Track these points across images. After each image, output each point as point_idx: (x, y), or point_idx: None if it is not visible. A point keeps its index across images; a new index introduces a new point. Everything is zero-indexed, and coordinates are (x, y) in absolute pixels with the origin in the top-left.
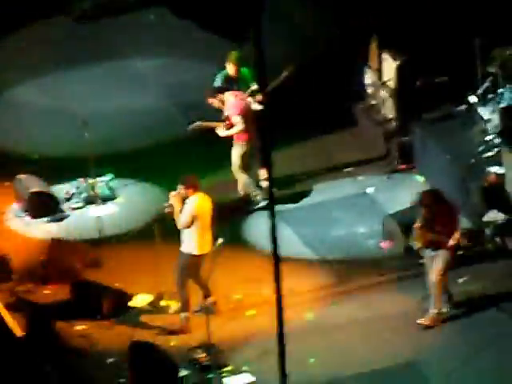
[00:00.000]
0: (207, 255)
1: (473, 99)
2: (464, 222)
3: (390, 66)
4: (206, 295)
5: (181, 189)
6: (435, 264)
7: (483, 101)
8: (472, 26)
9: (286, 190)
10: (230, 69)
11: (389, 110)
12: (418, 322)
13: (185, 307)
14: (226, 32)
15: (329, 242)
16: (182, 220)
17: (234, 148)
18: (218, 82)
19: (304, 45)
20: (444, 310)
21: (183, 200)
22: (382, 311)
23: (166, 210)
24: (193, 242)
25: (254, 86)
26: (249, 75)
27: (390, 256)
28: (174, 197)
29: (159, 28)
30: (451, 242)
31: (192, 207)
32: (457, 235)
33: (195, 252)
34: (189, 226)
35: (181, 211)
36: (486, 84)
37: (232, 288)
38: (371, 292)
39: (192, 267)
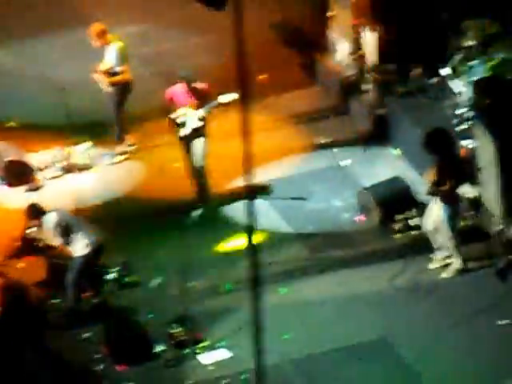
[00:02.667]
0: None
1: (445, 72)
2: None
3: (367, 39)
4: None
5: (31, 223)
6: (441, 218)
7: (455, 74)
8: None
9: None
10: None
11: (366, 82)
12: (444, 276)
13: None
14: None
15: (304, 215)
16: (56, 239)
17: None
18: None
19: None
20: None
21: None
22: (356, 286)
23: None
24: (80, 243)
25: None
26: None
27: (365, 230)
28: (35, 232)
29: None
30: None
31: (52, 224)
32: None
33: (86, 252)
34: (64, 239)
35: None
36: (458, 57)
37: (208, 263)
38: (346, 266)
39: (88, 266)
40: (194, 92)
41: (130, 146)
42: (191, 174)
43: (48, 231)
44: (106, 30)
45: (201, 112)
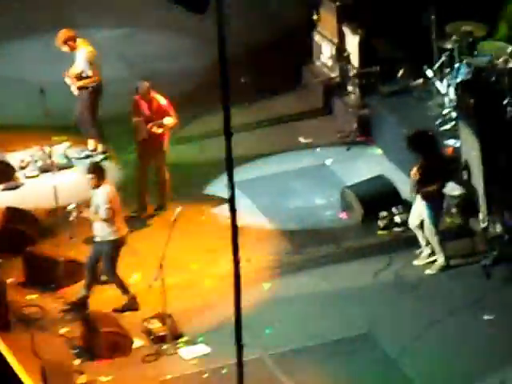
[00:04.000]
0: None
1: (429, 73)
2: None
3: (350, 41)
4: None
5: (91, 178)
6: (425, 215)
7: (440, 75)
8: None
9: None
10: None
11: (350, 84)
12: (428, 272)
13: (125, 290)
14: (189, 4)
15: (287, 212)
16: (104, 212)
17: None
18: None
19: (267, 16)
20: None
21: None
22: (338, 282)
23: (74, 215)
24: (113, 227)
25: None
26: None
27: (348, 227)
28: (76, 209)
29: None
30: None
31: (108, 197)
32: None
33: (117, 236)
34: (110, 215)
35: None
36: (443, 58)
37: (189, 258)
38: (328, 263)
39: (118, 252)
40: (149, 105)
41: (102, 152)
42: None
43: (100, 202)
44: (73, 36)
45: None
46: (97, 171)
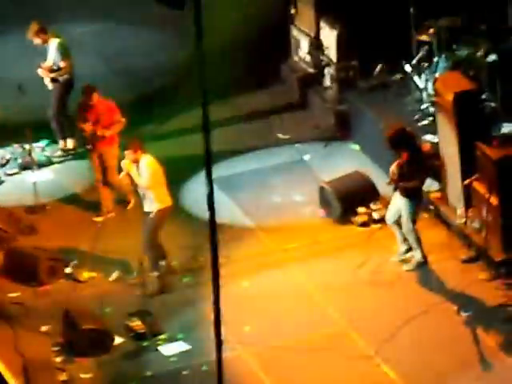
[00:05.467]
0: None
1: (408, 68)
2: None
3: (328, 35)
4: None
5: (129, 153)
6: (403, 212)
7: (418, 70)
8: None
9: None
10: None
11: (327, 79)
12: (405, 268)
13: (157, 266)
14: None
15: (265, 208)
16: (144, 181)
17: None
18: None
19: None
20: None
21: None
22: (318, 279)
23: (124, 181)
24: (157, 198)
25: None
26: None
27: (326, 223)
28: (127, 164)
29: None
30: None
31: (149, 166)
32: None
33: (162, 206)
34: (151, 185)
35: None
36: (421, 53)
37: (168, 255)
38: (307, 259)
39: (162, 222)
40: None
41: (70, 150)
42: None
43: (143, 171)
44: (43, 28)
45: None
46: (132, 145)
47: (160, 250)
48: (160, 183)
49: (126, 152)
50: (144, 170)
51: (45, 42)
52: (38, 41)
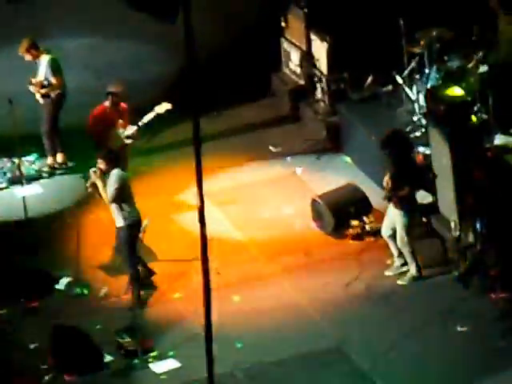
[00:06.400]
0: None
1: (399, 79)
2: None
3: (318, 47)
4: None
5: (101, 163)
6: (397, 224)
7: (409, 81)
8: (397, 5)
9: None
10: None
11: (318, 90)
12: (400, 282)
13: (136, 282)
14: (153, 10)
15: (257, 222)
16: (110, 195)
17: None
18: None
19: (231, 21)
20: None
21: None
22: (309, 293)
23: (89, 189)
24: (122, 213)
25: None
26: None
27: (319, 237)
28: (94, 174)
29: (84, 7)
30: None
31: (116, 180)
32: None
33: (127, 223)
34: (116, 200)
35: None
36: (412, 64)
37: (158, 270)
38: (299, 273)
39: (132, 238)
40: (119, 110)
41: (59, 164)
42: None
43: (110, 184)
44: (34, 44)
45: (129, 131)
46: (107, 157)
47: (139, 266)
48: (126, 199)
49: (98, 160)
50: (112, 184)
51: (36, 57)
52: (28, 57)
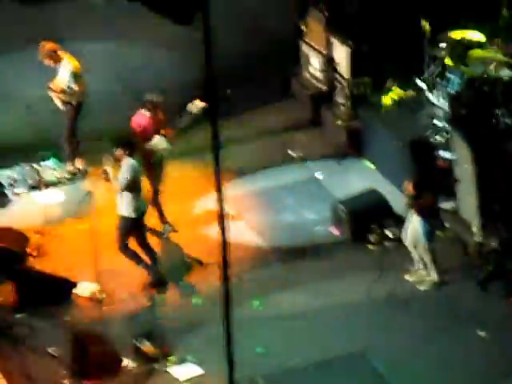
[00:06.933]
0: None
1: (421, 83)
2: None
3: (339, 51)
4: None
5: (117, 151)
6: (418, 230)
7: (431, 85)
8: (419, 8)
9: (234, 175)
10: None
11: (339, 95)
12: (421, 288)
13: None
14: (175, 16)
15: (277, 228)
16: (120, 183)
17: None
18: None
19: (254, 28)
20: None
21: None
22: (330, 299)
23: (102, 177)
24: (131, 205)
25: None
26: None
27: (340, 242)
28: (108, 160)
29: (107, 11)
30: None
31: (128, 170)
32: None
33: (134, 215)
34: (126, 189)
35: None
36: (434, 68)
37: (179, 275)
38: (321, 279)
39: (132, 230)
40: (159, 117)
41: (79, 170)
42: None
43: (122, 173)
44: (56, 48)
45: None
46: (123, 145)
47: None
48: (136, 190)
49: (114, 148)
50: (123, 172)
51: (57, 62)
52: (49, 62)
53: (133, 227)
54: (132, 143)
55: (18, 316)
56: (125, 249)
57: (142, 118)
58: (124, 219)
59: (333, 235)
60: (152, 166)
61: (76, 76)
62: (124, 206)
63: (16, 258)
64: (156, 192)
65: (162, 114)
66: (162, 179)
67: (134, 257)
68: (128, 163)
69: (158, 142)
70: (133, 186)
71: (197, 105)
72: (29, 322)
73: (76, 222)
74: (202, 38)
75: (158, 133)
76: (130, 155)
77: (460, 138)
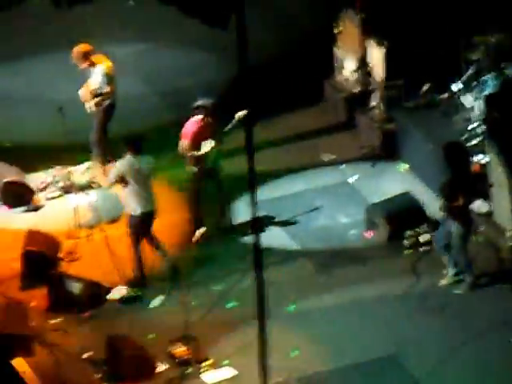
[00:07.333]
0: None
1: (456, 87)
2: None
3: (374, 54)
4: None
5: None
6: (453, 234)
7: (466, 88)
8: (454, 11)
9: (267, 178)
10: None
11: (374, 98)
12: (456, 292)
13: (138, 265)
14: (207, 17)
15: (311, 232)
16: (108, 178)
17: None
18: None
19: (287, 31)
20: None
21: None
22: (364, 303)
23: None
24: (132, 202)
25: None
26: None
27: (374, 246)
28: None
29: (138, 13)
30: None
31: (120, 166)
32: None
33: (136, 212)
34: (115, 183)
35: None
36: (469, 71)
37: (212, 279)
38: (354, 283)
39: (138, 227)
40: (210, 122)
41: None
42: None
43: (114, 168)
44: (90, 50)
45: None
46: (129, 142)
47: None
48: (136, 187)
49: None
50: (114, 169)
51: (92, 65)
52: (84, 64)
53: (137, 224)
54: (137, 141)
55: (53, 321)
56: (133, 246)
57: (194, 123)
58: (129, 217)
59: (366, 239)
60: (206, 171)
61: (109, 77)
62: (126, 203)
63: (49, 263)
64: (221, 201)
65: (212, 118)
66: (221, 185)
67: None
68: (123, 159)
69: (207, 145)
70: (125, 183)
71: (242, 112)
72: (63, 326)
73: (108, 225)
74: (235, 40)
75: (209, 137)
76: (134, 153)
77: (495, 141)
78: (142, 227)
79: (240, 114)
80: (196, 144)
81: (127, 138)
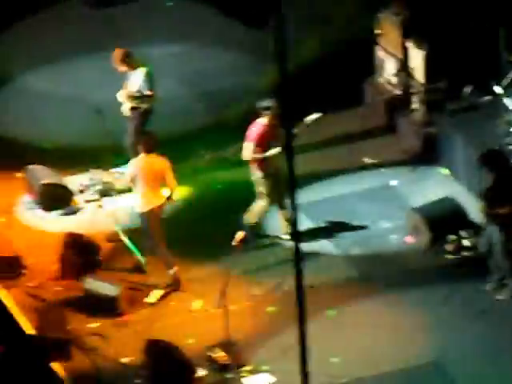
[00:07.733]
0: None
1: (498, 89)
2: None
3: (415, 56)
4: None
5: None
6: (495, 239)
7: (508, 91)
8: (496, 14)
9: (308, 182)
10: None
11: (415, 101)
12: (499, 298)
13: (169, 264)
14: (245, 18)
15: (351, 236)
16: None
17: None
18: None
19: (327, 32)
20: None
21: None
22: (406, 308)
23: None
24: (139, 200)
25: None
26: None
27: (415, 251)
28: None
29: (176, 14)
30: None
31: (131, 163)
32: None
33: (144, 209)
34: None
35: None
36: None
37: (251, 284)
38: (396, 288)
39: (150, 224)
40: (274, 124)
41: None
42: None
43: (131, 172)
44: (129, 54)
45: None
46: (145, 141)
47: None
48: (144, 186)
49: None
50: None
51: (132, 68)
52: (124, 68)
53: (150, 222)
54: (152, 141)
55: (91, 325)
56: (157, 247)
57: (259, 126)
58: (143, 215)
59: (408, 244)
60: (271, 176)
61: (149, 81)
62: (140, 201)
63: (87, 266)
64: (281, 206)
65: (276, 120)
66: (283, 191)
67: (166, 260)
68: (133, 161)
69: (275, 149)
70: (138, 183)
71: (312, 117)
72: (101, 330)
73: None
74: (274, 41)
75: (274, 139)
76: (146, 152)
77: None
78: (152, 224)
79: (310, 117)
80: (261, 147)
81: (146, 137)
